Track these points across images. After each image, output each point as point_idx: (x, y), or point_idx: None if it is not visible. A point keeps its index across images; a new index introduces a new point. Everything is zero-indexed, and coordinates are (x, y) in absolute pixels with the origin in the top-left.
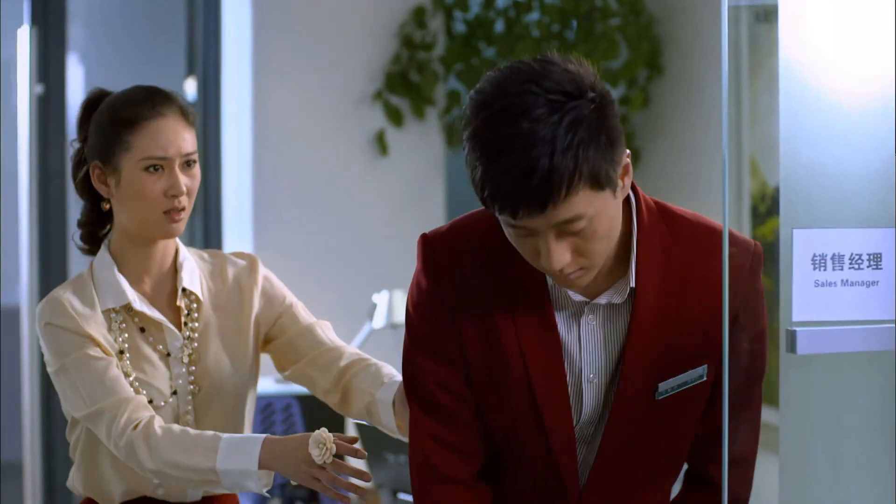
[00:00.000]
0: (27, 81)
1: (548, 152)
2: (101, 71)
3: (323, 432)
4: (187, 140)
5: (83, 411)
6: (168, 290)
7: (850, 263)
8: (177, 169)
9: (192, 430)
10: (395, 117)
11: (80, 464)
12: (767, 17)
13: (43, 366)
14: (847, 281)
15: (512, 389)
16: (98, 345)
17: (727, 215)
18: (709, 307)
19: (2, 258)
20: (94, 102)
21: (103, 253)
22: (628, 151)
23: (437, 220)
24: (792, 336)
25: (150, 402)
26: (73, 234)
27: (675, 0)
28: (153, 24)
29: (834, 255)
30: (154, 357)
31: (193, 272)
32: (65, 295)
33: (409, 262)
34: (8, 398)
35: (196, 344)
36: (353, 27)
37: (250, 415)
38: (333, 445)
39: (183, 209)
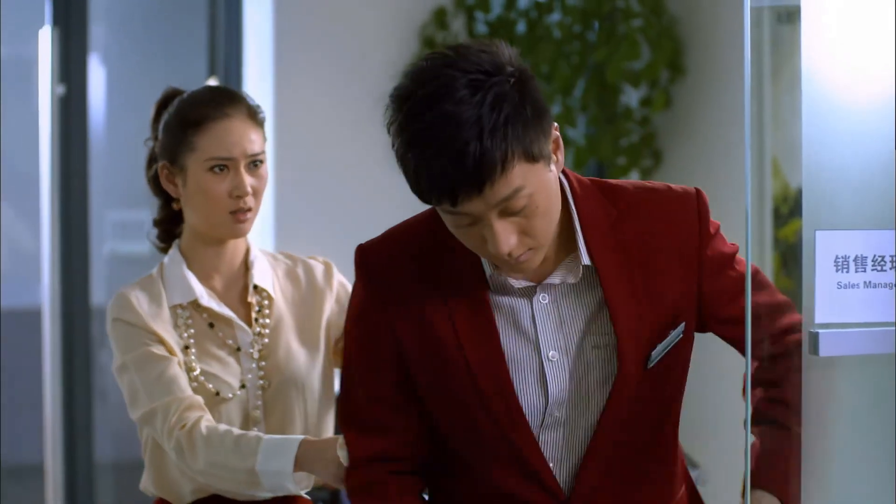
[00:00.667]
0: (49, 82)
1: (476, 134)
2: (123, 71)
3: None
4: (254, 140)
5: (140, 411)
6: (239, 287)
7: (873, 265)
8: (242, 169)
9: (236, 431)
10: None
11: (150, 465)
12: (790, 18)
13: (63, 366)
14: (870, 283)
15: (455, 381)
16: (162, 342)
17: (749, 216)
18: (673, 266)
19: (22, 259)
20: (165, 101)
21: (174, 251)
22: (556, 125)
23: None
24: (815, 338)
25: (217, 394)
26: (149, 232)
27: (696, 1)
28: (175, 24)
29: (857, 256)
30: (223, 352)
31: (265, 270)
32: (132, 292)
33: None
34: (29, 400)
35: (267, 340)
36: (374, 28)
37: (332, 416)
38: None
39: (249, 209)
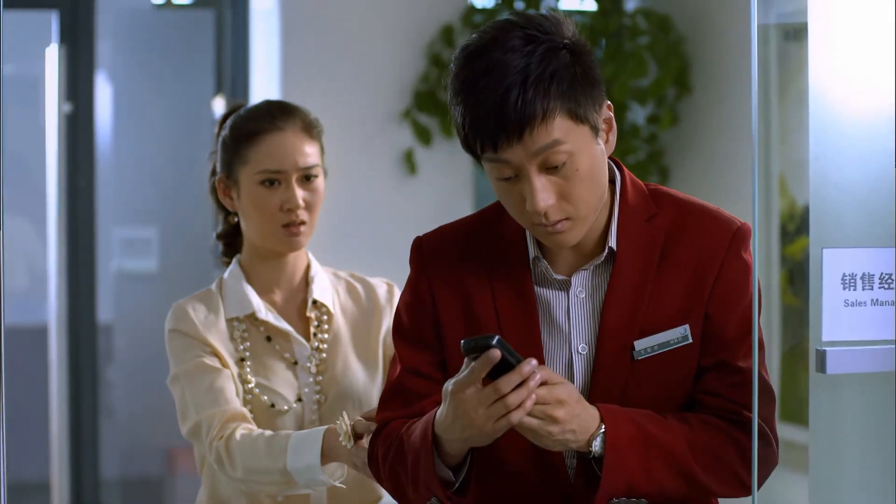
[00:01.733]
0: (56, 100)
1: (520, 81)
2: (130, 89)
3: (344, 417)
4: (307, 154)
5: (188, 425)
6: (299, 302)
7: (880, 283)
8: (294, 182)
9: (268, 433)
10: (424, 136)
11: (204, 481)
12: (796, 35)
13: (70, 383)
14: (877, 301)
15: None
16: (215, 353)
17: (756, 234)
18: (690, 269)
19: (29, 276)
20: (227, 115)
21: (234, 265)
22: (609, 104)
23: None
24: (822, 356)
25: (272, 406)
26: (212, 245)
27: (703, 18)
28: (182, 42)
29: (864, 274)
30: (280, 365)
31: (325, 286)
32: (189, 303)
33: None
34: (35, 416)
35: (325, 354)
36: (381, 46)
37: None
38: (350, 429)
39: (302, 223)
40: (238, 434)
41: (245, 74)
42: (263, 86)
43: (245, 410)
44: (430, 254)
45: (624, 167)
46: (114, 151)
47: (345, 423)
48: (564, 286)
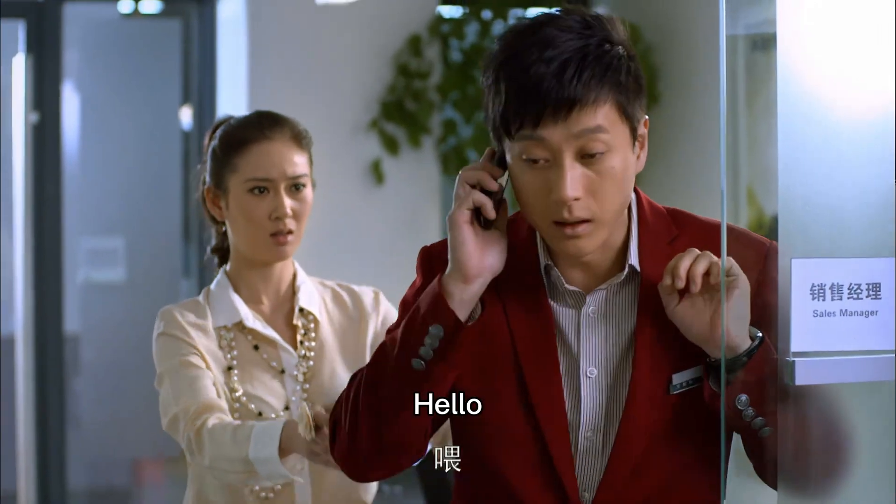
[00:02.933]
0: (22, 109)
1: (579, 57)
2: (97, 99)
3: (304, 407)
4: (295, 163)
5: (166, 419)
6: (286, 310)
7: (849, 293)
8: (282, 191)
9: (237, 423)
10: (391, 146)
11: (190, 482)
12: (764, 45)
13: (37, 394)
14: (846, 311)
15: (500, 376)
16: (201, 356)
17: (725, 244)
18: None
19: None
20: (218, 126)
21: (220, 276)
22: (647, 119)
23: None
24: (790, 367)
25: (260, 414)
26: (207, 258)
27: (671, 28)
28: (149, 52)
29: (833, 284)
30: (267, 374)
31: (312, 294)
32: (177, 309)
33: (404, 292)
34: (2, 427)
35: (312, 362)
36: (348, 56)
37: None
38: (312, 421)
39: (290, 232)
40: (210, 423)
41: (212, 84)
42: (230, 96)
43: (221, 402)
44: (439, 263)
45: (639, 190)
46: (81, 161)
47: (305, 413)
48: (577, 302)
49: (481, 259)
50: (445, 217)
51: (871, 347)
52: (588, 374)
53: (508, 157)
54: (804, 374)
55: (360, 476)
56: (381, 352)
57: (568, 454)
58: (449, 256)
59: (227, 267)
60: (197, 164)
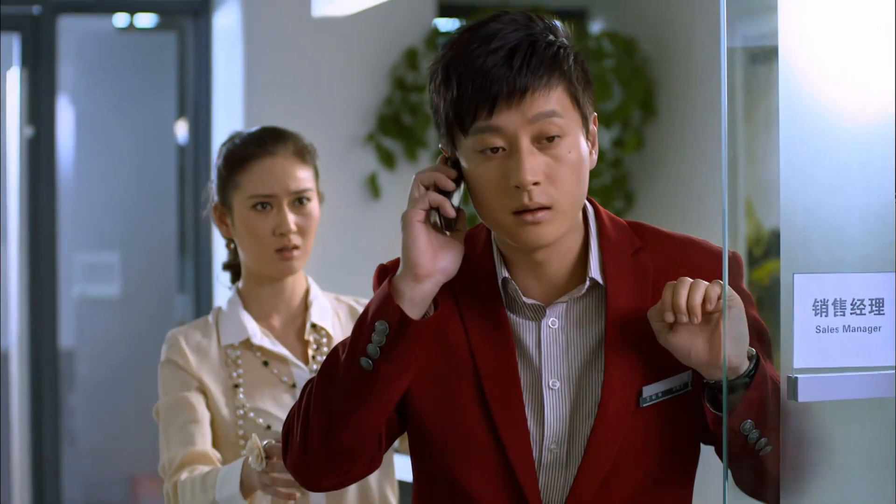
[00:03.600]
0: (17, 123)
1: (526, 45)
2: (92, 113)
3: (254, 438)
4: (299, 178)
5: (159, 463)
6: (298, 325)
7: (852, 309)
8: (285, 207)
9: (208, 469)
10: (388, 160)
11: None
12: (763, 58)
13: (32, 409)
14: (849, 327)
15: (460, 390)
16: (202, 388)
17: (727, 259)
18: None
19: None
20: (224, 145)
21: (232, 294)
22: (596, 116)
23: None
24: (793, 383)
25: (269, 427)
26: (220, 276)
27: (668, 41)
28: (144, 65)
29: (835, 300)
30: (278, 389)
31: (325, 309)
32: (183, 331)
33: None
34: None
35: None
36: (344, 69)
37: (391, 454)
38: (262, 451)
39: (295, 247)
40: (183, 475)
41: (208, 98)
42: (226, 109)
43: (207, 451)
44: None
45: (596, 202)
46: (76, 175)
47: (255, 444)
48: (537, 315)
49: (433, 259)
50: None
51: (875, 364)
52: (550, 385)
53: (462, 158)
54: (807, 392)
55: (313, 485)
56: (332, 356)
57: (531, 467)
58: (401, 256)
59: (240, 284)
60: (192, 179)
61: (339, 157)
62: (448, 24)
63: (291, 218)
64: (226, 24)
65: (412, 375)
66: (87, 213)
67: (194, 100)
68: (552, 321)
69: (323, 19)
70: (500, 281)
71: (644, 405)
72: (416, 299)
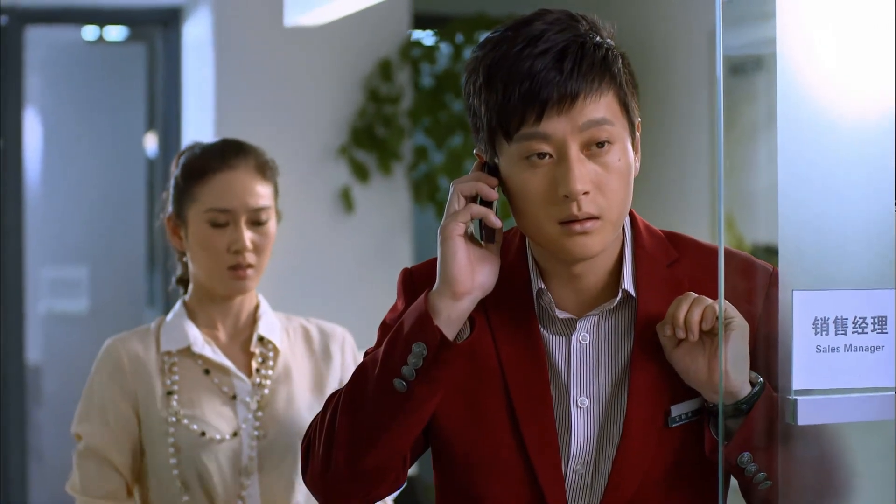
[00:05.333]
0: None
1: (576, 47)
2: (60, 125)
3: None
4: (258, 194)
5: (68, 488)
6: (244, 337)
7: (854, 327)
8: (242, 224)
9: None
10: (361, 173)
11: None
12: (744, 68)
13: None
14: (850, 346)
15: (488, 406)
16: (125, 398)
17: (722, 286)
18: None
19: None
20: (182, 154)
21: (178, 306)
22: (640, 121)
23: None
24: (793, 405)
25: (203, 434)
26: (172, 289)
27: (650, 53)
28: (113, 77)
29: (837, 318)
30: (216, 399)
31: (273, 324)
32: (121, 339)
33: (374, 321)
34: None
35: (267, 391)
36: (317, 80)
37: None
38: None
39: (249, 266)
40: None
41: (178, 109)
42: (197, 121)
43: (113, 490)
44: (422, 284)
45: (634, 212)
46: (43, 188)
47: None
48: (567, 329)
49: (472, 275)
50: (415, 246)
51: (878, 385)
52: (579, 404)
53: (503, 164)
54: (807, 414)
55: None
56: (360, 372)
57: (560, 489)
58: (438, 271)
59: (186, 297)
60: (162, 192)
61: (312, 169)
62: (423, 35)
63: (248, 235)
64: (196, 35)
65: (443, 394)
66: (55, 227)
67: (164, 112)
68: (583, 336)
69: (295, 29)
70: (534, 292)
71: (673, 425)
72: (452, 317)
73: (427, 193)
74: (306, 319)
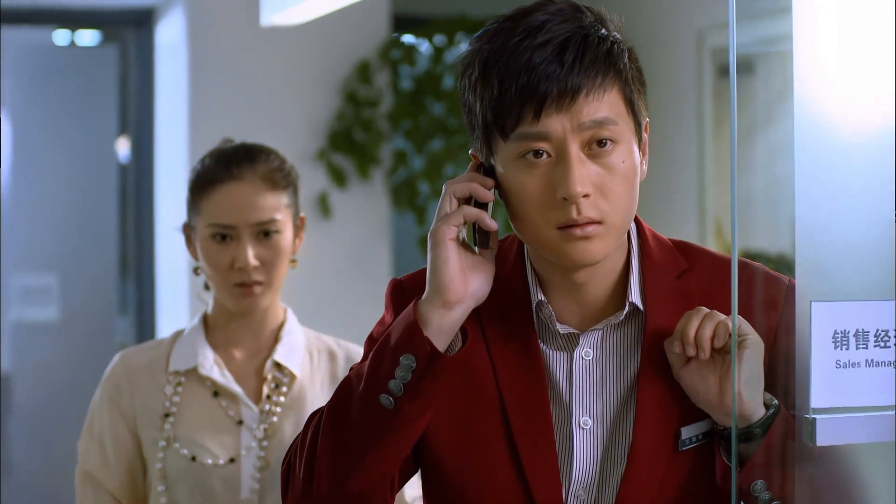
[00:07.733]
0: None
1: (579, 39)
2: (30, 129)
3: None
4: (263, 208)
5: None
6: (260, 360)
7: (876, 341)
8: (245, 239)
9: None
10: (339, 178)
11: None
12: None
13: None
14: (872, 361)
15: (483, 427)
16: (124, 420)
17: (736, 304)
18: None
19: None
20: (201, 159)
21: (196, 320)
22: (648, 122)
23: (382, 285)
24: (811, 425)
25: (193, 459)
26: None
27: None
28: (84, 80)
29: (858, 331)
30: (221, 423)
31: (295, 347)
32: (128, 352)
33: (354, 329)
34: None
35: (276, 419)
36: (294, 82)
37: None
38: None
39: (256, 283)
40: None
41: (150, 113)
42: (170, 125)
43: None
44: (412, 297)
45: (641, 220)
46: (12, 194)
47: None
48: (568, 344)
49: (465, 283)
50: (395, 253)
51: None
52: (582, 424)
53: (498, 164)
54: (826, 434)
55: None
56: (344, 388)
57: None
58: (428, 278)
59: (209, 309)
60: (133, 198)
61: None
62: (403, 36)
63: (252, 252)
64: (169, 36)
65: (434, 411)
66: (24, 233)
67: (136, 116)
68: (585, 351)
69: (272, 29)
70: (533, 305)
71: (683, 448)
72: (443, 327)
73: (407, 199)
74: (336, 342)
